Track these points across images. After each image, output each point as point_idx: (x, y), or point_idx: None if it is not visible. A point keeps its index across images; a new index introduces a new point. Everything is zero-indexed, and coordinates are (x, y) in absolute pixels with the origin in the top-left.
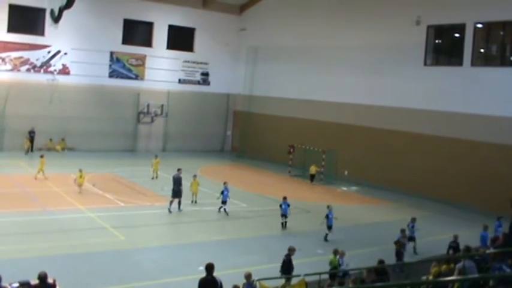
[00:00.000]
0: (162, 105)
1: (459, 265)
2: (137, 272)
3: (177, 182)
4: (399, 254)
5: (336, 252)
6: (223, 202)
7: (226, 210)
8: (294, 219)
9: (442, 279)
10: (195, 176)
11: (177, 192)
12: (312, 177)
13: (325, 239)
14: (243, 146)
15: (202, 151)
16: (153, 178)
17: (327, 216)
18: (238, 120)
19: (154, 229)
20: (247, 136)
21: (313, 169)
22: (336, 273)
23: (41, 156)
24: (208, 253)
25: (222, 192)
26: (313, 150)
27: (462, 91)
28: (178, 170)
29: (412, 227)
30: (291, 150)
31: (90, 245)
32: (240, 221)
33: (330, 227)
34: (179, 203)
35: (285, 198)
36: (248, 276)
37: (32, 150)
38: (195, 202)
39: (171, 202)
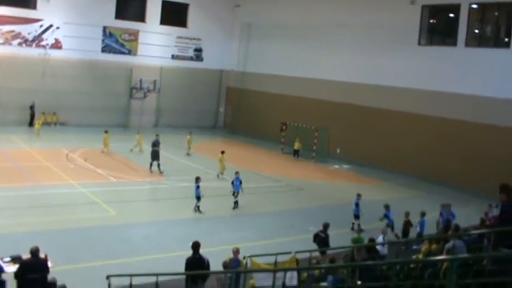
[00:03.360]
0: (155, 81)
1: (448, 245)
2: (128, 247)
3: (154, 144)
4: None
5: (359, 230)
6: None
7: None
8: (286, 197)
9: (431, 259)
10: (222, 151)
11: (152, 154)
12: (296, 153)
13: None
14: (235, 123)
15: (194, 127)
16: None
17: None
18: (231, 97)
19: (146, 205)
20: (240, 113)
21: (297, 145)
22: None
23: (105, 132)
24: (199, 229)
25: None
26: (305, 128)
27: (456, 71)
28: (157, 135)
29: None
30: (284, 127)
31: (81, 220)
32: (231, 198)
33: (356, 216)
34: (158, 165)
35: (237, 173)
36: (236, 252)
37: (33, 124)
38: (221, 175)
39: (150, 164)
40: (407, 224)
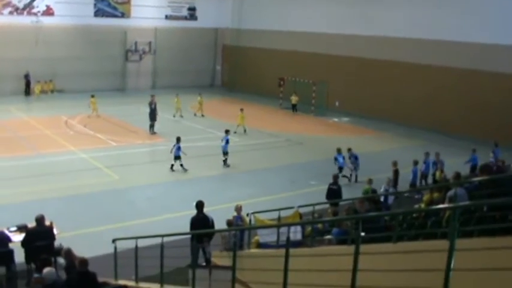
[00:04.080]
0: (150, 43)
1: (450, 193)
2: (132, 210)
3: (151, 104)
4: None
5: (370, 181)
6: (340, 168)
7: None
8: (287, 151)
9: (433, 207)
10: (241, 109)
11: (150, 115)
12: (294, 107)
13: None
14: (233, 80)
15: (192, 87)
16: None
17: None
18: (228, 55)
19: (148, 167)
20: (237, 70)
21: (294, 99)
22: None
23: (92, 96)
24: (202, 188)
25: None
26: (303, 82)
27: (455, 19)
28: (152, 96)
29: (349, 157)
30: (282, 82)
31: (85, 186)
32: (234, 156)
33: (340, 169)
34: (151, 126)
35: (227, 131)
36: (238, 209)
37: (28, 93)
38: (245, 131)
39: (150, 126)
40: (396, 173)
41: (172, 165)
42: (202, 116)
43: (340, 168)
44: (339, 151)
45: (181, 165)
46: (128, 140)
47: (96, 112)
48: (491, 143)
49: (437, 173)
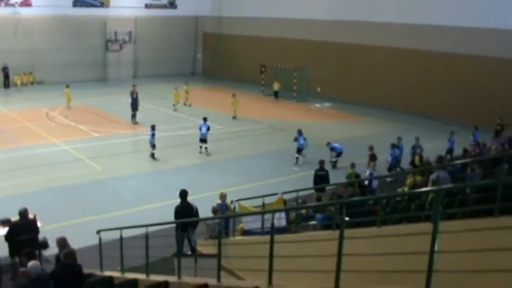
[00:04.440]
0: (130, 32)
1: (433, 176)
2: (116, 201)
3: (132, 94)
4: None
5: (352, 165)
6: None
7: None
8: (269, 138)
9: (416, 191)
10: (234, 95)
11: (132, 105)
12: (276, 94)
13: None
14: (214, 68)
15: (173, 75)
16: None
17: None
18: (209, 43)
19: (131, 157)
20: (218, 58)
21: (276, 85)
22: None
23: (67, 87)
24: (186, 177)
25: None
26: (285, 69)
27: (436, 2)
28: (134, 85)
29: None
30: (263, 69)
31: (67, 177)
32: (217, 143)
33: (299, 150)
34: (132, 116)
35: (205, 119)
36: (223, 197)
37: (8, 86)
38: (234, 118)
39: (131, 116)
40: (372, 158)
41: (152, 153)
42: (190, 105)
43: (299, 150)
44: (299, 132)
45: (153, 154)
46: (110, 130)
47: (69, 103)
48: (472, 126)
49: (416, 158)
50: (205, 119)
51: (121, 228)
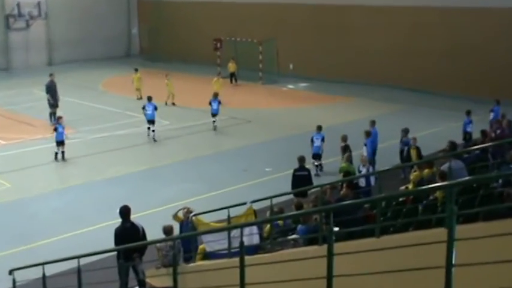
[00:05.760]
0: (39, 3)
1: (443, 167)
2: (35, 227)
3: (49, 87)
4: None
5: (348, 157)
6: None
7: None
8: (232, 132)
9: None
10: (166, 75)
11: (49, 101)
12: (232, 76)
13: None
14: (155, 47)
15: (102, 59)
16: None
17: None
18: (145, 14)
19: (52, 168)
20: (160, 33)
21: (232, 66)
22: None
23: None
24: (128, 189)
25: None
26: (246, 42)
27: None
28: (51, 75)
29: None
30: (218, 45)
31: None
32: (164, 144)
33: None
34: (51, 114)
35: (149, 98)
36: (186, 212)
37: None
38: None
39: (50, 114)
40: (346, 149)
41: (62, 152)
42: (141, 98)
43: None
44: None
45: (56, 154)
46: (21, 135)
47: None
48: (488, 101)
49: (412, 152)
50: (150, 98)
51: (43, 264)
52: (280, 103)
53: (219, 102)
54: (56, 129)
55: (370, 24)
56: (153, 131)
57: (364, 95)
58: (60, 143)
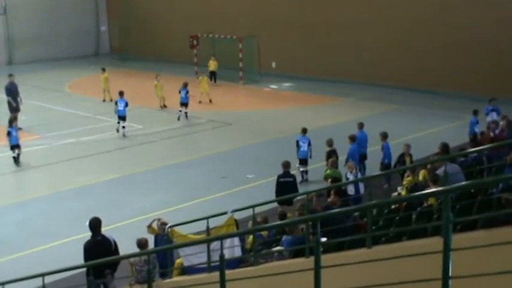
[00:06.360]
0: None
1: (438, 171)
2: None
3: (8, 89)
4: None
5: (333, 163)
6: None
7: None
8: (211, 136)
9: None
10: (157, 75)
11: (10, 105)
12: (212, 75)
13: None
14: (126, 45)
15: (68, 58)
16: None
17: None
18: (115, 9)
19: (14, 178)
20: (131, 30)
21: (212, 64)
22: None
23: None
24: (98, 200)
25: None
26: (225, 40)
27: None
28: (10, 75)
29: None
30: (195, 42)
31: None
32: (137, 150)
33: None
34: (11, 120)
35: (121, 93)
36: (161, 225)
37: None
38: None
39: (10, 120)
40: (331, 154)
41: (18, 155)
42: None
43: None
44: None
45: (15, 157)
46: None
47: None
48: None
49: (407, 159)
50: (121, 93)
51: (3, 284)
52: (263, 104)
53: (187, 92)
54: (9, 134)
55: (360, 19)
56: (124, 127)
57: (353, 94)
58: (15, 146)
